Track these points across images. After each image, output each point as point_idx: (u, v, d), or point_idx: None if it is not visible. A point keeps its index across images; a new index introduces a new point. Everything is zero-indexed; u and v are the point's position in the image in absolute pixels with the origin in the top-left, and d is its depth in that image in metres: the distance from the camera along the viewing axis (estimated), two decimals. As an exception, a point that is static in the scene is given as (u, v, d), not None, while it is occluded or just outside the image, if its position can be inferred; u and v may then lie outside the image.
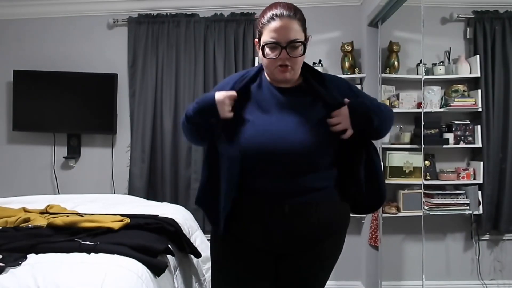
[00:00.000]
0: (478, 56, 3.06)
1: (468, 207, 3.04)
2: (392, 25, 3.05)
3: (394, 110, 3.10)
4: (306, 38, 1.39)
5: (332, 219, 1.44)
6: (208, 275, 2.21)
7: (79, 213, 2.02)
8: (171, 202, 2.86)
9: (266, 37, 1.34)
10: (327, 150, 1.39)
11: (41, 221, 1.78)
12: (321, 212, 1.40)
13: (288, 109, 1.39)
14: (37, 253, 1.46)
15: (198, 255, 1.99)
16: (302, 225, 1.38)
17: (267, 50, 1.35)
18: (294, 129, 1.35)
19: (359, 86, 3.27)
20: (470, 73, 3.09)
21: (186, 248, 1.91)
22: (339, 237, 1.51)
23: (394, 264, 3.21)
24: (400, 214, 3.06)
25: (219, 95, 1.36)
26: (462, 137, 3.09)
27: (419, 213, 2.81)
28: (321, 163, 1.39)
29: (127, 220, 1.79)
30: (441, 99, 3.14)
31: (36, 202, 2.30)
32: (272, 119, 1.37)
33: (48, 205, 2.11)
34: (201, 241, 2.24)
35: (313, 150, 1.34)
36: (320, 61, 3.25)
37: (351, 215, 1.53)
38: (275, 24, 1.32)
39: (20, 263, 1.37)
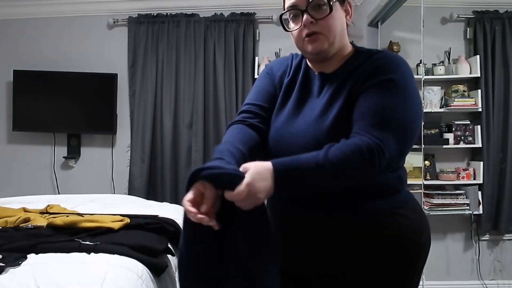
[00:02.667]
0: (478, 56, 3.06)
1: (468, 207, 3.04)
2: (392, 25, 3.05)
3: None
4: None
5: (364, 242, 1.08)
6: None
7: (79, 213, 2.01)
8: (171, 202, 2.85)
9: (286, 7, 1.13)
10: None
11: (41, 221, 1.78)
12: (348, 230, 1.08)
13: (311, 102, 1.14)
14: (37, 253, 1.46)
15: (198, 255, 1.99)
16: (320, 244, 1.11)
17: (291, 24, 1.12)
18: (305, 130, 1.10)
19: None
20: (470, 73, 3.10)
21: (186, 248, 1.90)
22: (386, 270, 1.09)
23: (394, 264, 3.21)
24: (400, 214, 3.06)
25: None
26: (462, 137, 3.09)
27: (419, 213, 2.81)
28: None
29: (127, 220, 1.79)
30: (441, 99, 3.14)
31: (36, 202, 2.29)
32: (287, 118, 1.15)
33: (48, 205, 2.10)
34: (201, 241, 2.24)
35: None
36: (320, 61, 3.25)
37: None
38: None
39: (20, 263, 1.37)
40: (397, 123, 1.01)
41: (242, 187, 0.92)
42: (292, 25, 1.12)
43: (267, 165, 0.97)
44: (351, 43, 1.20)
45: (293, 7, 1.10)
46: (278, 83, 1.23)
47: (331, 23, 1.09)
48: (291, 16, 1.12)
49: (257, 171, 0.95)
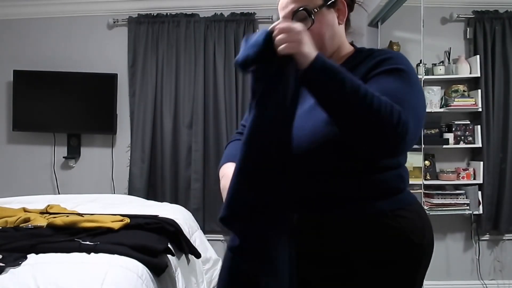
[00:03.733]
0: (478, 56, 3.06)
1: (468, 207, 3.04)
2: (392, 25, 3.05)
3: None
4: (325, 4, 1.10)
5: (366, 244, 1.07)
6: (207, 276, 2.22)
7: (79, 213, 2.02)
8: (171, 202, 2.86)
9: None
10: (343, 148, 1.04)
11: (41, 221, 1.78)
12: (349, 232, 1.07)
13: (309, 98, 1.09)
14: (37, 253, 1.46)
15: (197, 255, 1.99)
16: (321, 245, 1.09)
17: None
18: (302, 123, 1.08)
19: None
20: (470, 73, 3.09)
21: (185, 248, 1.91)
22: (387, 273, 1.07)
23: (394, 264, 3.21)
24: (400, 214, 3.05)
25: None
26: (462, 137, 3.09)
27: (419, 213, 2.81)
28: (341, 163, 1.06)
29: (127, 220, 1.79)
30: (441, 99, 3.14)
31: (36, 202, 2.30)
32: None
33: (48, 205, 2.11)
34: (200, 242, 2.24)
35: (320, 147, 1.05)
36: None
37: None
38: (280, 1, 1.16)
39: (20, 263, 1.37)
40: (409, 105, 0.98)
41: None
42: None
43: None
44: (351, 43, 1.20)
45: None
46: None
47: (317, 32, 1.10)
48: None
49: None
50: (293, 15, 1.11)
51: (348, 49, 1.18)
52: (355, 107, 0.93)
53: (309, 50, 0.94)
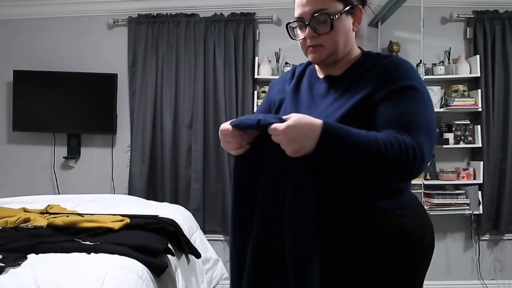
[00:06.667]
0: (478, 56, 3.06)
1: (468, 207, 3.04)
2: (392, 25, 3.05)
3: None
4: (345, 9, 1.11)
5: (366, 243, 1.07)
6: (207, 276, 2.22)
7: (79, 213, 2.02)
8: (171, 202, 2.85)
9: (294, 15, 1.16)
10: None
11: (41, 221, 1.78)
12: (349, 231, 1.08)
13: (318, 103, 1.15)
14: (37, 253, 1.46)
15: (197, 255, 1.99)
16: (324, 243, 1.07)
17: (298, 31, 1.17)
18: None
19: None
20: (470, 73, 3.10)
21: (185, 249, 1.90)
22: (387, 272, 1.07)
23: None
24: (400, 214, 3.05)
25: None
26: (462, 137, 3.09)
27: (419, 213, 2.81)
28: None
29: (127, 220, 1.79)
30: (441, 99, 3.14)
31: (36, 202, 2.30)
32: None
33: (48, 205, 2.11)
34: (200, 242, 2.24)
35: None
36: (320, 61, 3.25)
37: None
38: None
39: (20, 263, 1.37)
40: (425, 128, 1.02)
41: (281, 125, 0.97)
42: (299, 33, 1.16)
43: (316, 119, 0.98)
44: (358, 47, 1.21)
45: (298, 18, 1.13)
46: (271, 100, 1.30)
47: (333, 37, 1.11)
48: (297, 25, 1.16)
49: (302, 117, 0.98)
50: (312, 16, 1.10)
51: (356, 52, 1.19)
52: (371, 161, 0.98)
53: (308, 143, 0.96)
